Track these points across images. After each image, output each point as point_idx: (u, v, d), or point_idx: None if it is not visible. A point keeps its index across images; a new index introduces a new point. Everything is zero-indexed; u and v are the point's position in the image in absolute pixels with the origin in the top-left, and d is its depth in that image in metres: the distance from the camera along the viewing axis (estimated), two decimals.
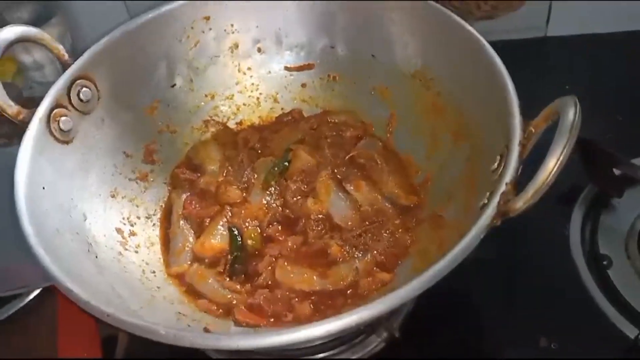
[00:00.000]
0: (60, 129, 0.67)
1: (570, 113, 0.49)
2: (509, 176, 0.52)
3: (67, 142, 0.68)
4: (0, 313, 0.79)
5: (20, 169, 0.61)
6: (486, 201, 0.54)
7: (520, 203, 0.49)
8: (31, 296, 0.80)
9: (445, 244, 0.62)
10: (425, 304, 0.67)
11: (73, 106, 0.69)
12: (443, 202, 0.68)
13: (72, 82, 0.69)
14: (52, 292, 0.80)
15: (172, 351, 0.70)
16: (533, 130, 0.54)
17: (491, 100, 0.61)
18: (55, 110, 0.67)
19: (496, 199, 0.51)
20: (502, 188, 0.51)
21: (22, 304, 0.80)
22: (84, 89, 0.70)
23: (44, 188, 0.62)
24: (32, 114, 0.65)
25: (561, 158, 0.48)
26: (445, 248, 0.60)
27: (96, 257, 0.64)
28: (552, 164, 0.48)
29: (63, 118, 0.67)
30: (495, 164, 0.57)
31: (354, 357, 0.68)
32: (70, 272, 0.54)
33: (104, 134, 0.73)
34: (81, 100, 0.70)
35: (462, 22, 0.67)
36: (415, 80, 0.76)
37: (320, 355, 0.69)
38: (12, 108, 0.66)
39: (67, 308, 0.80)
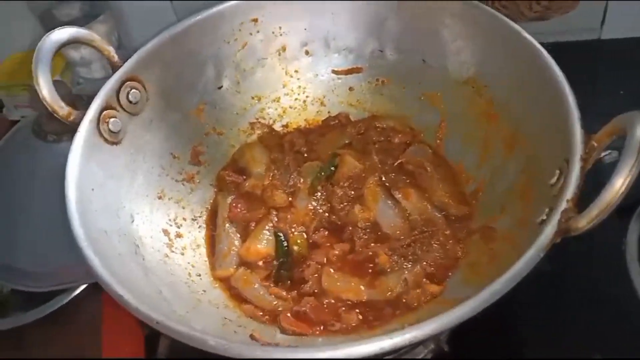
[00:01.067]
0: (110, 130, 0.67)
1: (638, 130, 0.47)
2: (570, 193, 0.50)
3: (116, 143, 0.68)
4: (46, 307, 0.80)
5: (70, 171, 0.61)
6: (545, 217, 0.52)
7: (584, 222, 0.47)
8: (76, 292, 0.81)
9: (498, 258, 0.60)
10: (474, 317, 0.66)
11: (122, 107, 0.69)
12: (495, 213, 0.65)
13: (122, 84, 0.69)
14: (97, 289, 0.80)
15: None
16: (595, 145, 0.52)
17: (549, 110, 0.60)
18: (104, 112, 0.67)
19: (557, 217, 0.49)
20: (563, 205, 0.49)
21: (67, 300, 0.80)
22: (133, 90, 0.70)
23: (93, 190, 0.63)
24: (82, 115, 0.66)
25: (629, 178, 0.46)
26: (498, 261, 0.59)
27: (143, 259, 0.64)
28: (619, 184, 0.46)
29: (112, 119, 0.67)
30: (554, 179, 0.55)
31: None
32: (119, 275, 0.54)
33: (152, 135, 0.73)
34: (130, 102, 0.70)
35: (518, 28, 0.65)
36: (467, 87, 0.74)
37: None
38: (63, 110, 0.66)
39: (111, 306, 0.80)
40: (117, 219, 0.65)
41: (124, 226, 0.65)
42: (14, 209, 0.85)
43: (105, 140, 0.67)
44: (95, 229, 0.59)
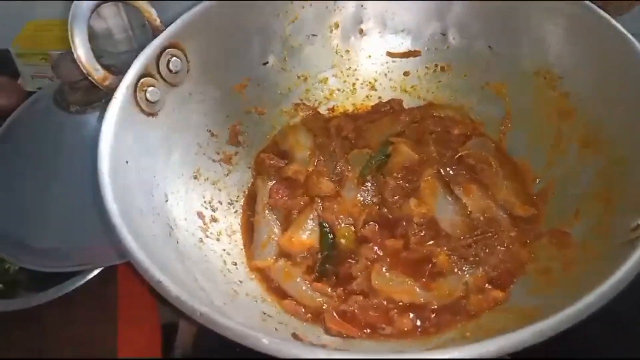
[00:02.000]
0: (147, 100, 0.62)
1: None
2: None
3: (152, 115, 0.63)
4: (57, 290, 0.75)
5: (104, 140, 0.56)
6: None
7: None
8: (90, 275, 0.75)
9: (574, 266, 0.54)
10: None
11: (161, 76, 0.64)
12: (568, 217, 0.59)
13: (162, 50, 0.64)
14: (112, 273, 0.76)
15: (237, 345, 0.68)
16: None
17: (637, 108, 0.54)
18: (142, 79, 0.61)
19: None
20: None
21: (81, 283, 0.75)
22: (174, 58, 0.65)
23: (127, 163, 0.57)
24: (119, 80, 0.61)
25: None
26: (574, 271, 0.53)
27: (177, 242, 0.58)
28: None
29: (150, 88, 0.62)
30: None
31: None
32: (155, 258, 0.48)
33: (190, 110, 0.68)
34: (170, 71, 0.65)
35: (608, 16, 0.60)
36: (538, 78, 0.68)
37: None
38: (98, 72, 0.62)
39: (127, 291, 0.77)
40: (151, 197, 0.59)
41: (158, 205, 0.60)
42: (30, 182, 0.80)
43: (142, 110, 0.61)
44: (131, 206, 0.54)
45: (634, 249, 0.44)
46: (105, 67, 0.66)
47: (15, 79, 1.05)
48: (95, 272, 0.75)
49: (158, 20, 0.66)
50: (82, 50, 0.60)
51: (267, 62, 0.75)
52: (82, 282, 0.75)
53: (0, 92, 1.01)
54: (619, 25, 0.59)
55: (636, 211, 0.49)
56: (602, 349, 0.64)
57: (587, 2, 0.62)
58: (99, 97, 0.75)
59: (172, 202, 0.62)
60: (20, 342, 0.76)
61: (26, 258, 0.76)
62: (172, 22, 0.66)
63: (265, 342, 0.41)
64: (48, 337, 0.77)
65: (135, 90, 0.60)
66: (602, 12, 0.60)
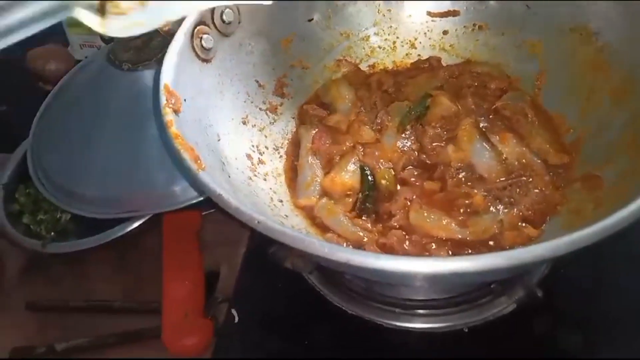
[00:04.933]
0: (202, 47, 0.66)
1: None
2: None
3: (206, 61, 0.67)
4: (105, 235, 0.80)
5: (165, 75, 0.60)
6: None
7: None
8: (136, 224, 0.80)
9: (604, 205, 0.57)
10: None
11: (215, 26, 0.68)
12: (599, 163, 0.62)
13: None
14: (157, 222, 0.80)
15: (279, 287, 0.71)
16: None
17: None
18: (198, 27, 0.65)
19: None
20: None
21: (128, 229, 0.80)
22: (227, 10, 0.69)
23: (185, 100, 0.61)
24: (177, 27, 0.64)
25: None
26: (605, 209, 0.56)
27: (229, 176, 0.62)
28: None
29: (205, 36, 0.66)
30: None
31: (478, 319, 0.65)
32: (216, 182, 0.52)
33: (240, 60, 0.72)
34: (223, 22, 0.69)
35: None
36: (574, 34, 0.70)
37: (441, 311, 0.65)
38: None
39: (172, 240, 0.80)
40: (206, 135, 0.63)
41: (212, 142, 0.63)
42: (81, 136, 0.84)
43: (197, 55, 0.65)
44: (188, 137, 0.57)
45: None
46: None
47: (65, 47, 1.10)
48: (142, 220, 0.80)
49: None
50: None
51: (312, 19, 0.79)
52: (130, 228, 0.80)
53: (52, 58, 1.06)
54: None
55: None
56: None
57: None
58: (150, 55, 0.79)
59: (224, 142, 0.66)
60: (71, 283, 0.80)
61: (77, 205, 0.81)
62: None
63: (317, 244, 0.44)
64: (97, 280, 0.81)
65: (192, 37, 0.64)
66: None
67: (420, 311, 0.66)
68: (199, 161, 0.53)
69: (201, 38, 0.66)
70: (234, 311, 0.70)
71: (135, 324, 0.74)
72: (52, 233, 0.83)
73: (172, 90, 0.58)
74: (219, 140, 0.65)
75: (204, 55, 0.66)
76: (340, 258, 0.44)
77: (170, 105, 0.56)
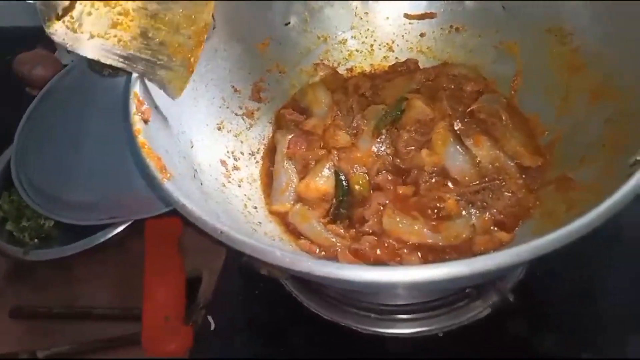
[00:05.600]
0: None
1: None
2: None
3: None
4: (88, 241, 0.80)
5: (135, 83, 0.60)
6: (639, 157, 0.49)
7: None
8: (118, 229, 0.80)
9: (577, 206, 0.57)
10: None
11: None
12: (573, 164, 0.62)
13: None
14: (139, 228, 0.80)
15: (256, 294, 0.71)
16: None
17: None
18: None
19: None
20: None
21: (110, 235, 0.80)
22: None
23: (155, 108, 0.61)
24: None
25: None
26: (577, 210, 0.55)
27: (201, 184, 0.62)
28: None
29: None
30: None
31: (453, 323, 0.65)
32: (180, 190, 0.52)
33: (215, 65, 0.72)
34: None
35: None
36: (550, 36, 0.70)
37: (417, 315, 0.65)
38: None
39: (154, 245, 0.80)
40: (178, 142, 0.63)
41: (184, 149, 0.63)
42: (63, 141, 0.84)
43: None
44: (156, 145, 0.57)
45: (629, 180, 0.46)
46: None
47: (52, 52, 1.10)
48: (124, 225, 0.80)
49: None
50: None
51: (289, 23, 0.78)
52: (112, 234, 0.80)
53: (40, 63, 1.06)
54: None
55: (635, 151, 0.51)
56: None
57: None
58: None
59: (197, 149, 0.66)
60: (55, 289, 0.80)
61: (60, 211, 0.81)
62: None
63: (278, 254, 0.44)
64: (80, 285, 0.81)
65: None
66: None
67: (396, 316, 0.66)
68: (164, 170, 0.53)
69: None
70: (210, 318, 0.70)
71: (118, 330, 0.74)
72: (36, 240, 0.83)
73: (141, 99, 0.58)
74: (192, 147, 0.65)
75: None
76: (302, 268, 0.44)
77: (139, 114, 0.56)
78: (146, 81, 0.60)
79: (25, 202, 0.82)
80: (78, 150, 0.82)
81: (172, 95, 0.62)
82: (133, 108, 0.57)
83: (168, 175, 0.52)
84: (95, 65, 0.83)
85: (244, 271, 0.62)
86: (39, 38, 1.13)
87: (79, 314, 0.78)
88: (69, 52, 1.07)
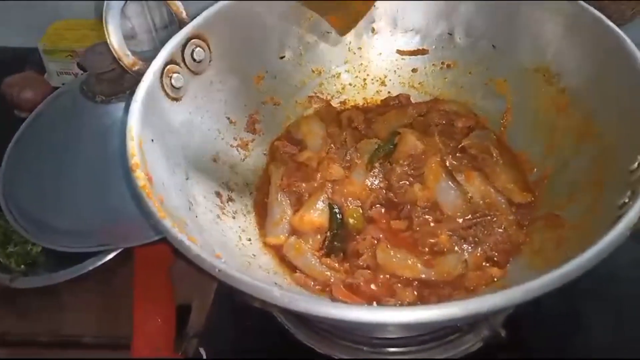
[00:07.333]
0: (172, 85, 0.66)
1: None
2: None
3: (176, 100, 0.67)
4: (77, 269, 0.79)
5: (132, 117, 0.59)
6: (627, 200, 0.50)
7: None
8: (108, 257, 0.79)
9: (566, 244, 0.58)
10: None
11: (186, 64, 0.68)
12: (562, 201, 0.63)
13: (187, 41, 0.68)
14: (129, 255, 0.80)
15: (248, 325, 0.71)
16: None
17: (629, 100, 0.58)
18: (168, 66, 0.66)
19: None
20: None
21: (99, 263, 0.79)
22: (198, 48, 0.69)
23: (152, 140, 0.61)
24: (147, 66, 0.65)
25: None
26: (565, 248, 0.57)
27: (196, 216, 0.62)
28: None
29: (175, 75, 0.66)
30: (636, 164, 0.53)
31: (446, 356, 0.65)
32: (177, 224, 0.52)
33: (211, 97, 0.72)
34: (194, 60, 0.69)
35: (602, 16, 0.63)
36: (537, 75, 0.72)
37: (409, 349, 0.66)
38: (128, 58, 0.66)
39: (143, 274, 0.80)
40: (173, 174, 0.63)
41: (179, 182, 0.64)
42: (53, 167, 0.84)
43: (167, 94, 0.65)
44: (154, 178, 0.58)
45: (617, 223, 0.48)
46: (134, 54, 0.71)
47: (41, 74, 1.10)
48: (114, 253, 0.78)
49: (184, 13, 0.71)
50: (115, 37, 0.65)
51: (283, 56, 0.80)
52: (101, 262, 0.78)
53: (28, 86, 1.05)
54: (612, 25, 0.62)
55: (623, 192, 0.52)
56: None
57: (584, 2, 0.65)
58: (124, 88, 0.79)
59: (193, 181, 0.66)
60: (41, 318, 0.79)
61: (48, 238, 0.79)
62: (197, 16, 0.70)
63: (277, 294, 0.44)
64: (68, 313, 0.80)
65: (161, 76, 0.64)
66: (597, 13, 0.64)
67: (388, 349, 0.66)
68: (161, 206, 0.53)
69: (171, 77, 0.66)
70: (201, 350, 0.69)
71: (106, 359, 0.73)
72: (22, 266, 0.82)
73: (138, 133, 0.58)
74: (187, 179, 0.65)
75: (173, 94, 0.66)
76: (300, 308, 0.44)
77: (137, 150, 0.57)
78: (144, 109, 0.61)
79: (13, 227, 0.82)
80: (67, 176, 0.82)
81: None
82: (130, 144, 0.57)
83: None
84: (88, 91, 0.84)
85: (235, 302, 0.62)
86: (27, 59, 1.14)
87: (66, 343, 0.77)
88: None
